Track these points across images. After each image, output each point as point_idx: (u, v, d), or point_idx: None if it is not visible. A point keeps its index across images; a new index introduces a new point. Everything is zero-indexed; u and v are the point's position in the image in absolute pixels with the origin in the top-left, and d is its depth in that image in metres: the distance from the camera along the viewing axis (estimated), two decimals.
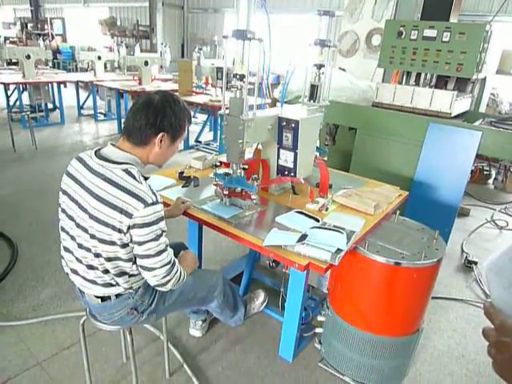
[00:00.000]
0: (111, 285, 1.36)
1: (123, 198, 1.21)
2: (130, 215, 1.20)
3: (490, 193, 4.80)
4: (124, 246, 1.27)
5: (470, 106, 3.36)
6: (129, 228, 1.22)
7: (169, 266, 1.32)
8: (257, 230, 1.68)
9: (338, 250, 1.51)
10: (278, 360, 2.00)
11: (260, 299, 2.04)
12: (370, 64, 5.96)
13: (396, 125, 2.95)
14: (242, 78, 1.62)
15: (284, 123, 1.87)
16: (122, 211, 1.20)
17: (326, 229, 1.67)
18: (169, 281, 1.33)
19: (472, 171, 2.75)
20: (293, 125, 1.84)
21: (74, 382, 1.77)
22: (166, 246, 1.31)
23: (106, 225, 1.23)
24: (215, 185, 1.91)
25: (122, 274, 1.35)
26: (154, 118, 1.30)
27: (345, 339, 1.85)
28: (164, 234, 1.30)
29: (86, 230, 1.28)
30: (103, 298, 1.40)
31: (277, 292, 2.27)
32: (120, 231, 1.22)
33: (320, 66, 2.11)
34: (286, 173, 1.99)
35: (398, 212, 2.03)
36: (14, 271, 2.55)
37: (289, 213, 1.82)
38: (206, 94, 5.55)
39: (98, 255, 1.30)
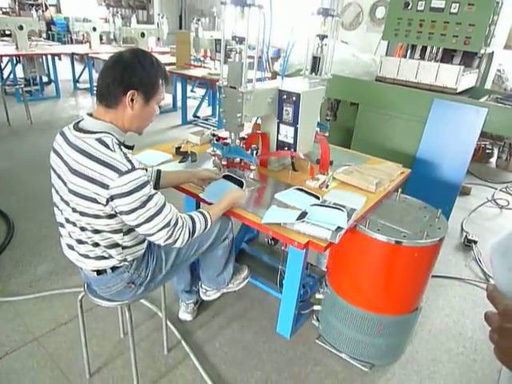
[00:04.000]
0: (104, 257, 1.33)
1: (97, 169, 1.15)
2: (106, 186, 1.15)
3: (492, 172, 4.75)
4: (110, 216, 1.23)
5: (475, 81, 3.27)
6: (108, 200, 1.17)
7: (167, 228, 1.26)
8: (256, 207, 1.64)
9: (339, 228, 1.48)
10: (276, 337, 2.00)
11: (243, 274, 1.97)
12: (373, 38, 5.79)
13: (399, 100, 2.87)
14: (241, 40, 1.53)
15: (284, 96, 1.80)
16: (97, 183, 1.15)
17: (326, 206, 1.63)
18: (175, 241, 1.30)
19: (474, 149, 2.69)
20: (294, 98, 1.77)
21: (72, 357, 1.77)
22: (160, 208, 1.23)
23: (84, 198, 1.19)
24: (213, 155, 1.85)
25: (113, 246, 1.31)
26: (120, 74, 1.21)
27: (343, 317, 1.84)
28: (152, 198, 1.21)
29: (68, 204, 1.26)
30: (99, 272, 1.37)
31: (275, 269, 2.25)
32: (99, 203, 1.18)
33: (323, 37, 2.02)
34: (286, 148, 1.93)
35: (399, 190, 1.98)
36: (10, 246, 2.52)
37: (288, 190, 1.78)
38: (204, 67, 5.39)
39: (83, 229, 1.27)
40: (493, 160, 5.00)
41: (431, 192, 2.47)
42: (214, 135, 1.83)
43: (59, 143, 1.26)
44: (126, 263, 1.38)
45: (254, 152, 1.72)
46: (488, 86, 3.66)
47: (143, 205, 1.19)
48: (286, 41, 2.30)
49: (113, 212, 1.21)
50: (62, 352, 1.81)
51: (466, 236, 3.07)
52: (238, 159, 1.77)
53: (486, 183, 4.32)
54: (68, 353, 1.80)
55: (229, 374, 1.78)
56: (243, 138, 1.77)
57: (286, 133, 1.89)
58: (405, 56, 3.15)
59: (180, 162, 2.01)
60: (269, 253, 2.58)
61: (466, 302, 2.40)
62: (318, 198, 1.72)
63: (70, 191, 1.22)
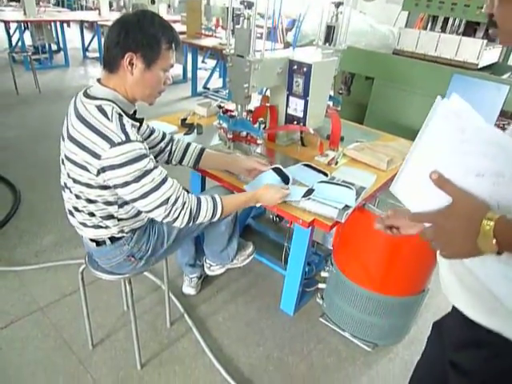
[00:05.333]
0: (101, 227, 1.31)
1: (90, 137, 1.10)
2: (98, 156, 1.10)
3: None
4: (103, 188, 1.19)
5: (498, 57, 3.10)
6: (100, 171, 1.12)
7: (164, 206, 1.19)
8: (250, 175, 1.58)
9: (346, 207, 1.42)
10: (280, 313, 1.99)
11: (248, 250, 1.91)
12: (393, 9, 5.51)
13: (417, 75, 2.74)
14: (250, 5, 1.44)
15: (295, 67, 1.71)
16: (88, 151, 1.11)
17: (334, 184, 1.57)
18: (174, 220, 1.24)
19: None
20: (305, 69, 1.68)
21: (75, 328, 1.79)
22: (157, 185, 1.17)
23: (76, 164, 1.16)
24: (219, 128, 1.79)
25: (109, 217, 1.28)
26: (117, 35, 1.13)
27: (347, 296, 1.81)
28: (149, 174, 1.14)
29: (65, 168, 1.24)
30: (98, 242, 1.36)
31: (281, 246, 2.22)
32: (90, 172, 1.14)
33: (338, 4, 1.90)
34: (295, 123, 1.85)
35: None
36: (16, 216, 2.53)
37: (296, 165, 1.71)
38: (215, 36, 5.24)
39: (78, 197, 1.25)
40: None
41: None
42: (220, 107, 1.76)
43: (70, 108, 1.23)
44: (126, 235, 1.35)
45: (262, 126, 1.65)
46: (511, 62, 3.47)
47: (137, 180, 1.14)
48: (300, 9, 2.18)
49: (106, 184, 1.17)
50: (65, 323, 1.82)
51: None
52: (244, 133, 1.70)
53: None
54: (71, 323, 1.81)
55: (231, 348, 1.78)
56: (250, 111, 1.70)
57: (296, 106, 1.81)
58: (425, 28, 2.99)
59: (185, 134, 1.96)
60: (274, 229, 2.55)
61: None
62: (326, 174, 1.66)
63: (65, 156, 1.20)
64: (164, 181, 1.20)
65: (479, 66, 2.64)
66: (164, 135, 1.54)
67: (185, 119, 2.07)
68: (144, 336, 1.77)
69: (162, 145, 1.52)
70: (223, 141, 1.77)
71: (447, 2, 2.65)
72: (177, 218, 1.23)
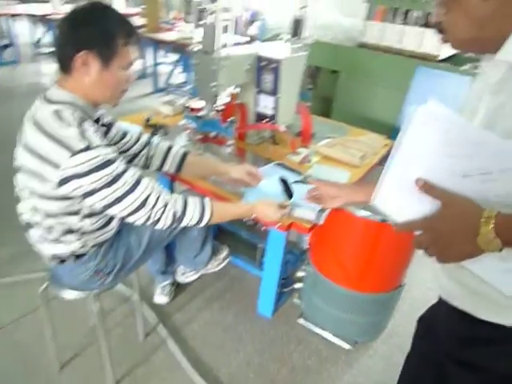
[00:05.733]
0: (61, 242, 1.19)
1: (47, 146, 1.00)
2: (57, 166, 1.00)
3: None
4: (63, 199, 1.08)
5: None
6: (61, 182, 1.02)
7: (143, 209, 1.10)
8: (236, 186, 1.51)
9: (323, 208, 1.39)
10: (257, 316, 1.94)
11: (223, 254, 1.86)
12: (353, 1, 5.55)
13: (382, 68, 2.75)
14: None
15: (263, 63, 1.64)
16: (47, 161, 1.01)
17: (309, 184, 1.53)
18: (157, 221, 1.14)
19: None
20: (273, 65, 1.62)
21: (40, 348, 1.66)
22: (131, 188, 1.07)
23: (32, 174, 1.06)
24: (186, 128, 1.70)
25: (69, 231, 1.17)
26: (66, 32, 1.03)
27: (325, 295, 1.78)
28: (121, 177, 1.05)
29: (20, 178, 1.13)
30: (60, 259, 1.24)
31: (255, 246, 2.17)
32: (48, 183, 1.04)
33: None
34: (266, 120, 1.79)
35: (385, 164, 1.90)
36: None
37: (268, 165, 1.66)
38: (176, 30, 5.07)
39: (34, 209, 1.14)
40: None
41: None
42: (187, 106, 1.67)
43: (27, 113, 1.10)
44: (91, 250, 1.24)
45: (232, 125, 1.58)
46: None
47: (107, 185, 1.04)
48: (259, 1, 2.11)
49: (70, 195, 1.06)
50: (28, 343, 1.69)
51: None
52: (213, 133, 1.63)
53: None
54: (35, 344, 1.68)
55: (209, 357, 1.71)
56: (219, 110, 1.63)
57: (266, 103, 1.75)
58: (385, 20, 3.00)
59: (151, 135, 1.84)
60: (248, 230, 2.49)
61: None
62: (300, 173, 1.61)
63: (21, 165, 1.09)
64: (138, 181, 1.10)
65: (440, 58, 2.68)
66: (139, 137, 1.42)
67: (149, 119, 1.96)
68: (116, 351, 1.67)
69: (137, 148, 1.40)
70: (192, 142, 1.69)
71: None
72: (159, 219, 1.13)
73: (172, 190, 2.07)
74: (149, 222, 1.13)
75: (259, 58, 1.64)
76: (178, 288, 2.01)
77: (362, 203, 1.34)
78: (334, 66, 3.01)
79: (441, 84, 2.54)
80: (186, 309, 1.93)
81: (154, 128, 1.89)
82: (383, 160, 1.96)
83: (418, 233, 0.68)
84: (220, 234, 2.41)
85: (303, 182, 1.52)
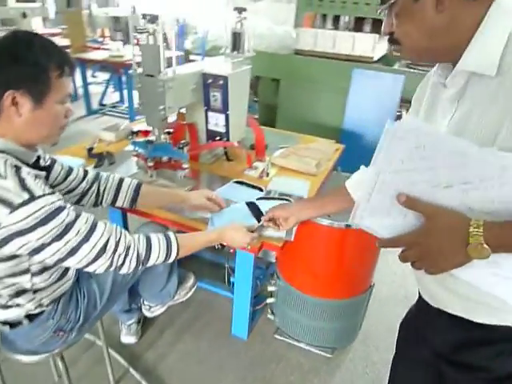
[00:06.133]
0: (11, 307, 1.05)
1: None
2: None
3: None
4: (7, 259, 0.95)
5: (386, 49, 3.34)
6: (2, 241, 0.89)
7: (103, 257, 0.99)
8: (196, 212, 1.44)
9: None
10: (232, 340, 1.87)
11: (189, 282, 1.75)
12: (280, 8, 5.67)
13: (320, 72, 2.82)
14: (154, 19, 1.29)
15: (210, 80, 1.60)
16: None
17: (272, 199, 1.50)
18: (120, 267, 1.03)
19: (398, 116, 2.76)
20: (221, 82, 1.57)
21: None
22: (86, 236, 0.96)
23: None
24: (135, 156, 1.59)
25: (20, 292, 1.03)
26: None
27: (299, 307, 1.76)
28: (73, 227, 0.94)
29: None
30: (12, 324, 1.09)
31: (221, 266, 2.10)
32: None
33: (241, 10, 1.83)
34: (218, 138, 1.74)
35: (339, 168, 1.93)
36: None
37: (227, 184, 1.61)
38: (104, 49, 4.85)
39: None
40: None
41: (361, 162, 2.49)
42: (134, 132, 1.57)
43: None
44: (47, 309, 1.11)
45: (185, 148, 1.51)
46: None
47: (58, 238, 0.92)
48: (195, 15, 2.06)
49: (15, 253, 0.93)
50: None
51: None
52: (165, 158, 1.54)
53: None
54: None
55: None
56: (169, 133, 1.55)
57: (217, 121, 1.70)
58: (314, 26, 3.09)
59: (96, 166, 1.72)
60: (213, 250, 2.41)
61: (405, 265, 2.48)
62: (261, 189, 1.58)
63: None
64: (93, 228, 0.98)
65: (375, 59, 2.80)
66: (86, 173, 1.29)
67: (91, 149, 1.82)
68: None
69: (85, 186, 1.27)
70: (142, 169, 1.59)
71: (337, 1, 2.75)
72: (122, 264, 1.03)
73: (126, 225, 1.95)
74: (112, 268, 1.03)
75: (205, 76, 1.59)
76: (144, 324, 1.88)
77: (313, 217, 1.37)
78: (273, 74, 3.03)
79: (377, 84, 2.65)
80: (157, 345, 1.82)
81: (99, 158, 1.76)
82: (337, 165, 1.99)
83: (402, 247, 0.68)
84: (182, 258, 2.30)
85: (268, 198, 1.50)
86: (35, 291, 1.05)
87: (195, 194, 1.40)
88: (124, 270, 1.05)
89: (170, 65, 1.39)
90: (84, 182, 1.27)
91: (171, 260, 1.14)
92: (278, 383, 1.68)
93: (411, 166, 0.65)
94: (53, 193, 0.95)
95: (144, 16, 1.29)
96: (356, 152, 2.73)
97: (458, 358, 0.82)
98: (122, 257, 1.02)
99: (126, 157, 1.81)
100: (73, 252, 0.95)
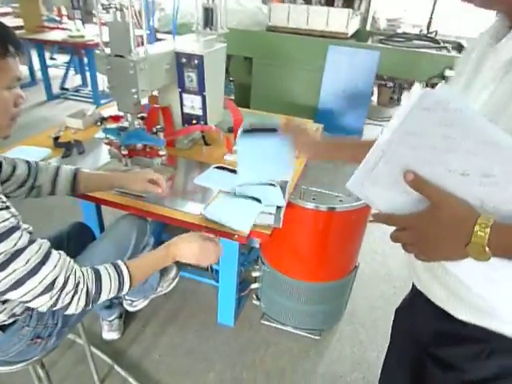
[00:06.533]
0: None
1: None
2: None
3: (375, 109, 5.06)
4: None
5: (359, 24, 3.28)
6: None
7: (49, 293, 0.86)
8: (176, 201, 1.37)
9: (278, 209, 1.32)
10: (219, 328, 1.84)
11: (172, 273, 1.66)
12: None
13: (294, 50, 2.73)
14: None
15: (184, 60, 1.49)
16: None
17: (255, 184, 1.44)
18: (66, 306, 0.91)
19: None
20: (196, 61, 1.47)
21: None
22: (35, 267, 0.84)
23: None
24: (107, 143, 1.49)
25: None
26: None
27: (285, 291, 1.74)
28: (21, 255, 0.82)
29: None
30: None
31: None
32: None
33: None
34: (195, 122, 1.65)
35: None
36: None
37: (207, 171, 1.53)
38: (62, 28, 4.54)
39: None
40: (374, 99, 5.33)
41: None
42: (103, 118, 1.45)
43: None
44: (22, 317, 1.02)
45: (160, 133, 1.42)
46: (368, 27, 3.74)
47: (3, 266, 0.80)
48: None
49: None
50: None
51: None
52: (139, 144, 1.44)
53: (372, 122, 4.59)
54: None
55: None
56: (142, 118, 1.45)
57: (192, 103, 1.60)
58: (283, 1, 2.99)
59: (63, 157, 1.59)
60: None
61: (384, 242, 2.52)
62: None
63: None
64: (45, 259, 0.85)
65: (349, 35, 2.75)
66: (30, 166, 1.15)
67: (57, 138, 1.69)
68: None
69: (31, 180, 1.15)
70: (116, 158, 1.48)
71: None
72: (69, 303, 0.90)
73: (100, 216, 1.86)
74: (55, 308, 0.90)
75: (178, 55, 1.48)
76: (126, 318, 1.81)
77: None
78: (245, 52, 2.92)
79: (352, 60, 2.60)
80: (141, 339, 1.76)
81: (66, 147, 1.63)
82: None
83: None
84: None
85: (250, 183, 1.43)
86: (4, 302, 0.96)
87: (133, 179, 1.25)
88: (70, 310, 0.93)
89: (141, 44, 1.29)
90: (31, 177, 1.15)
91: (124, 292, 1.01)
92: (268, 368, 1.67)
93: (430, 144, 0.57)
94: (7, 207, 0.83)
95: None
96: (332, 131, 2.72)
97: (437, 352, 0.80)
98: (70, 295, 0.89)
99: (97, 145, 1.69)
100: (17, 285, 0.83)
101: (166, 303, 1.93)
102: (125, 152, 1.41)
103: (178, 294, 1.98)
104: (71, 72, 5.39)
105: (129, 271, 0.99)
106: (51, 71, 5.02)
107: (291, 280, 1.69)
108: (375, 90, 5.26)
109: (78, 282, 0.91)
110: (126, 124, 1.39)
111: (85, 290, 0.91)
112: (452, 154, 0.56)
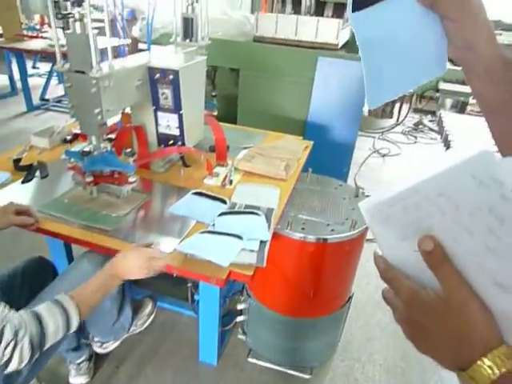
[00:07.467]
0: None
1: None
2: None
3: (367, 120, 4.96)
4: None
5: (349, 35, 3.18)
6: None
7: None
8: (148, 235, 1.21)
9: (262, 243, 1.16)
10: (201, 366, 1.67)
11: (147, 309, 1.56)
12: None
13: (283, 61, 2.61)
14: (79, 2, 1.02)
15: (158, 75, 1.34)
16: None
17: (237, 213, 1.29)
18: (7, 362, 0.79)
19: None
20: (170, 77, 1.33)
21: None
22: None
23: None
24: (71, 168, 1.33)
25: None
26: None
27: (274, 328, 1.59)
28: None
29: None
30: None
31: (183, 282, 1.87)
32: None
33: None
34: (172, 142, 1.50)
35: (310, 169, 1.74)
36: None
37: (185, 197, 1.38)
38: (43, 37, 4.38)
39: None
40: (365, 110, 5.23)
41: (328, 156, 2.36)
42: (65, 140, 1.29)
43: None
44: None
45: (131, 157, 1.26)
46: None
47: None
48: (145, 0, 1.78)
49: None
50: None
51: (363, 193, 3.08)
52: (107, 170, 1.28)
53: (363, 133, 4.48)
54: None
55: None
56: (110, 139, 1.29)
57: (168, 122, 1.45)
58: (272, 10, 2.87)
59: (24, 181, 1.43)
60: None
61: None
62: (224, 201, 1.36)
63: None
64: None
65: (339, 46, 2.63)
66: None
67: (19, 160, 1.52)
68: None
69: None
70: (81, 185, 1.32)
71: None
72: (9, 359, 0.78)
73: (70, 252, 1.70)
74: None
75: (151, 70, 1.33)
76: (97, 359, 1.63)
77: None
78: (232, 63, 2.79)
79: (343, 72, 2.48)
80: (115, 381, 1.58)
81: (28, 170, 1.47)
82: (306, 165, 1.80)
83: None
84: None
85: (232, 212, 1.28)
86: None
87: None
88: (12, 367, 0.79)
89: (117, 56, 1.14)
90: None
91: (74, 326, 0.90)
92: None
93: (466, 222, 0.40)
94: None
95: None
96: (323, 147, 2.58)
97: None
98: (10, 349, 0.77)
99: (63, 167, 1.52)
100: None
101: (142, 339, 1.75)
102: (89, 179, 1.25)
103: (156, 327, 1.81)
104: (54, 81, 5.22)
105: (74, 303, 0.90)
106: (33, 80, 4.85)
107: (279, 316, 1.54)
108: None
109: (17, 330, 0.79)
110: (90, 148, 1.23)
111: (27, 336, 0.80)
112: (492, 255, 0.40)
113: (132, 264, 0.99)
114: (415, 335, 0.46)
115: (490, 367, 0.38)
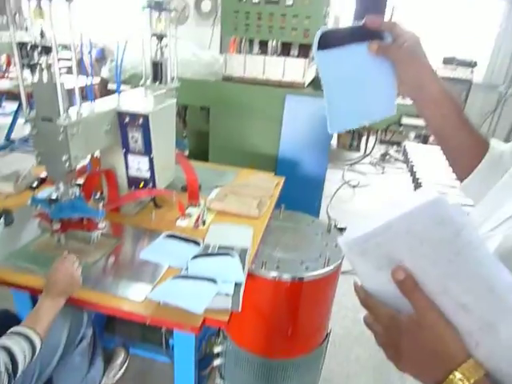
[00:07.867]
0: None
1: None
2: None
3: (335, 152, 5.12)
4: None
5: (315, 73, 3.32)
6: None
7: None
8: (118, 283, 1.17)
9: (236, 286, 1.15)
10: None
11: (119, 359, 1.52)
12: (204, 32, 5.56)
13: (251, 100, 2.68)
14: (47, 50, 1.03)
15: (127, 120, 1.35)
16: None
17: (211, 255, 1.27)
18: None
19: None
20: (140, 121, 1.33)
21: None
22: None
23: None
24: (37, 216, 1.29)
25: None
26: None
27: (251, 370, 1.54)
28: None
29: None
30: None
31: (155, 327, 1.81)
32: None
33: (161, 37, 1.61)
34: (142, 185, 1.48)
35: (282, 206, 1.76)
36: None
37: (156, 240, 1.35)
38: (9, 78, 4.33)
39: None
40: (334, 142, 5.40)
41: (300, 190, 2.40)
42: (32, 187, 1.26)
43: None
44: None
45: (100, 203, 1.24)
46: None
47: None
48: (114, 40, 1.81)
49: None
50: None
51: (335, 225, 3.12)
52: (75, 217, 1.25)
53: (333, 165, 4.59)
54: None
55: None
56: (79, 185, 1.27)
57: (139, 165, 1.44)
58: (239, 51, 2.98)
59: None
60: None
61: (354, 296, 2.37)
62: (197, 243, 1.35)
63: None
64: None
65: (306, 84, 2.74)
66: None
67: None
68: None
69: None
70: (48, 232, 1.28)
71: (264, 26, 2.65)
72: None
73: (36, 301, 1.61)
74: None
75: (120, 115, 1.33)
76: None
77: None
78: (202, 102, 2.84)
79: (311, 109, 2.57)
80: None
81: None
82: (279, 201, 1.82)
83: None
84: (109, 324, 1.97)
85: (206, 254, 1.27)
86: None
87: None
88: None
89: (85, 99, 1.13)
90: None
91: (39, 347, 0.91)
92: None
93: (430, 256, 0.45)
94: None
95: (33, 47, 1.02)
96: (294, 181, 2.63)
97: None
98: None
99: (29, 214, 1.47)
100: None
101: None
102: (57, 227, 1.21)
103: (130, 375, 1.71)
104: (21, 121, 5.11)
105: (28, 326, 0.92)
106: None
107: (257, 357, 1.50)
108: (334, 134, 5.35)
109: None
110: (57, 194, 1.20)
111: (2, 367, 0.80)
112: (453, 281, 0.45)
113: (60, 283, 1.01)
114: (395, 355, 0.51)
115: (460, 380, 0.44)
